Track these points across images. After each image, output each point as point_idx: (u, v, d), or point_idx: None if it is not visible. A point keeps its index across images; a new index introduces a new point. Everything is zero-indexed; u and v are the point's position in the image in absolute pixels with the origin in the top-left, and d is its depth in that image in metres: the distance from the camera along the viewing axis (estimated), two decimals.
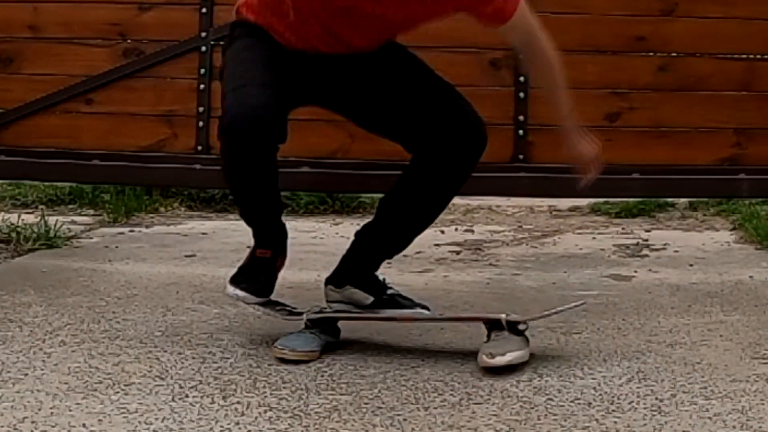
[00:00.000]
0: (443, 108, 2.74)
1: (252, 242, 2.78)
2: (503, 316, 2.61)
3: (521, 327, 2.60)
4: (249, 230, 2.75)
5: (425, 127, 2.72)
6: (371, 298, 2.82)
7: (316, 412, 2.22)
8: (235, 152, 2.56)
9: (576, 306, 2.71)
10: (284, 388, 2.38)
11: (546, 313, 2.70)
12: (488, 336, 2.60)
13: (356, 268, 2.85)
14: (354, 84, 2.76)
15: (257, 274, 2.73)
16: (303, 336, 2.66)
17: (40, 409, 2.19)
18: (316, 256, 3.98)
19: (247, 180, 2.64)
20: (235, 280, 2.74)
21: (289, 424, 2.15)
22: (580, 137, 2.74)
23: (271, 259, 2.74)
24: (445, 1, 2.62)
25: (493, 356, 2.48)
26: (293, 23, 2.64)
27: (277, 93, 2.55)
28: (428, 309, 2.86)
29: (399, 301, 2.84)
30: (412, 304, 2.84)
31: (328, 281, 2.87)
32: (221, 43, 3.79)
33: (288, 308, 2.81)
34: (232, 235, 4.45)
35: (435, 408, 2.26)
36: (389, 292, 2.85)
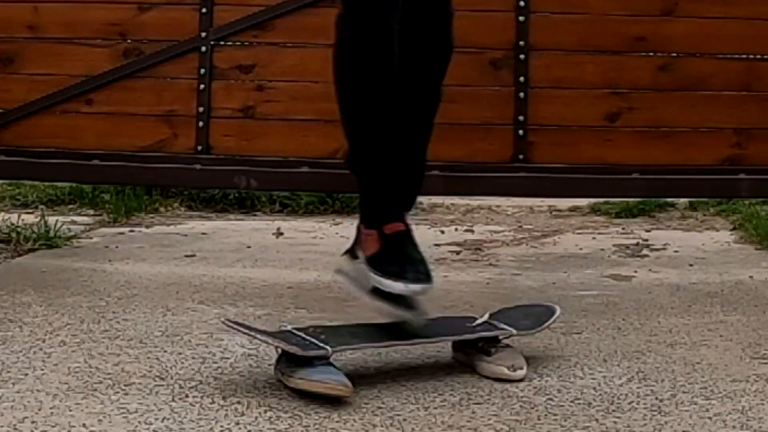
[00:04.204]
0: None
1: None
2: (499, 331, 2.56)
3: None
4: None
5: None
6: None
7: (316, 412, 2.21)
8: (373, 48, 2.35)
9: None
10: (284, 388, 2.37)
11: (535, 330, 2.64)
12: (482, 347, 2.54)
13: None
14: None
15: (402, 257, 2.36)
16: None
17: (40, 409, 2.19)
18: (316, 256, 3.97)
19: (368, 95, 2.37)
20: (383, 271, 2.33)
21: (289, 424, 2.14)
22: None
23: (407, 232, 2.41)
24: None
25: (515, 369, 2.46)
26: None
27: None
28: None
29: None
30: None
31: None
32: (221, 43, 3.81)
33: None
34: (232, 235, 4.44)
35: (435, 408, 2.26)
36: None
